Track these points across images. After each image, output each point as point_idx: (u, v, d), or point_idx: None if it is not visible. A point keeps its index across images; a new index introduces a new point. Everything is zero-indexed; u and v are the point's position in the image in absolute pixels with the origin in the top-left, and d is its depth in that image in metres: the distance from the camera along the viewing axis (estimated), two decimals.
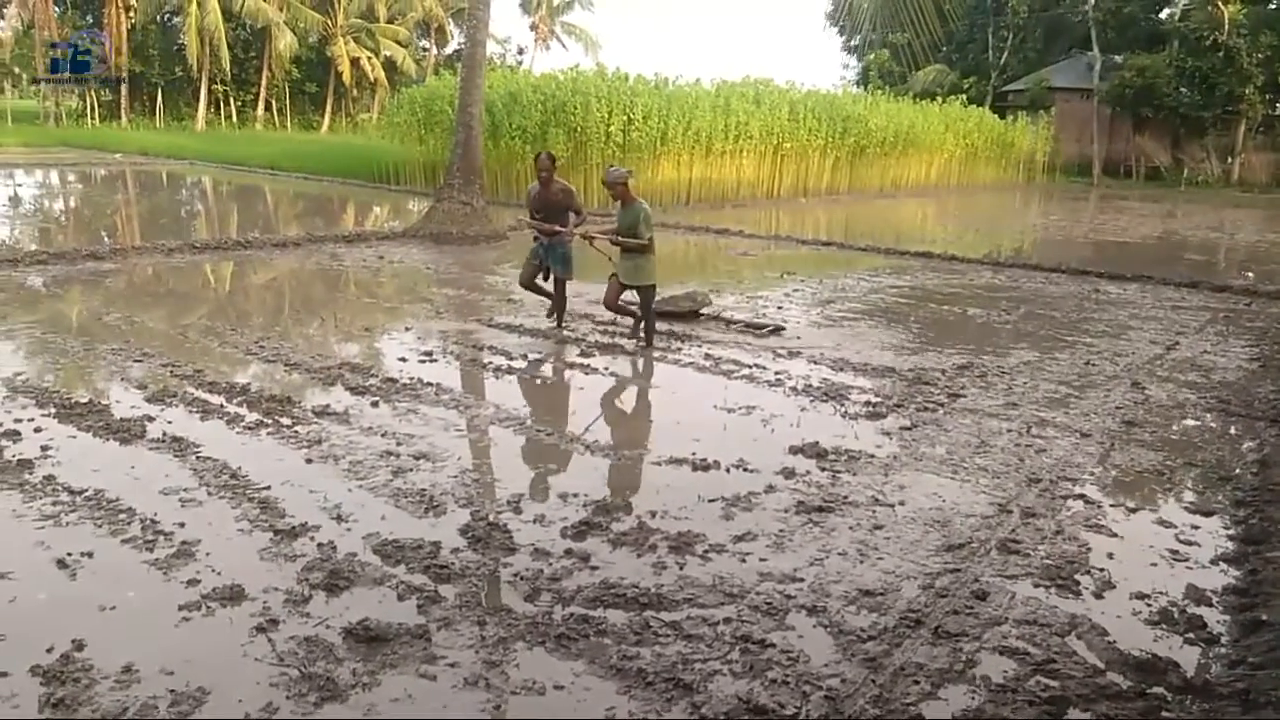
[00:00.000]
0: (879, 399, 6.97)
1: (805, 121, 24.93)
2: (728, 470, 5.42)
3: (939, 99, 32.38)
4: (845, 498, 5.08)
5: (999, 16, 41.52)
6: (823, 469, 5.50)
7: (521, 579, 4.06)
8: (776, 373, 7.57)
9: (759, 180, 24.85)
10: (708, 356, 8.03)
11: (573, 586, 4.00)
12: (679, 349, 8.27)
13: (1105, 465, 5.83)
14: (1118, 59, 37.30)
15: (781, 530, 4.64)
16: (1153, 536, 4.83)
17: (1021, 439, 6.17)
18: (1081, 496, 5.27)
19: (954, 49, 43.09)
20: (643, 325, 8.29)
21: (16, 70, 57.44)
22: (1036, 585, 4.19)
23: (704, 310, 9.58)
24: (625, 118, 20.57)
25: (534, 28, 54.53)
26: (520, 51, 58.63)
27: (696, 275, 13.28)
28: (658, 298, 8.94)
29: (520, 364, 7.63)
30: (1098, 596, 4.13)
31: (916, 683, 3.41)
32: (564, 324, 8.74)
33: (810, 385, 7.26)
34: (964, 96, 34.74)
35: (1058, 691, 3.40)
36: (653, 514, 4.76)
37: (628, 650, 3.52)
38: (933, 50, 31.67)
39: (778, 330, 9.02)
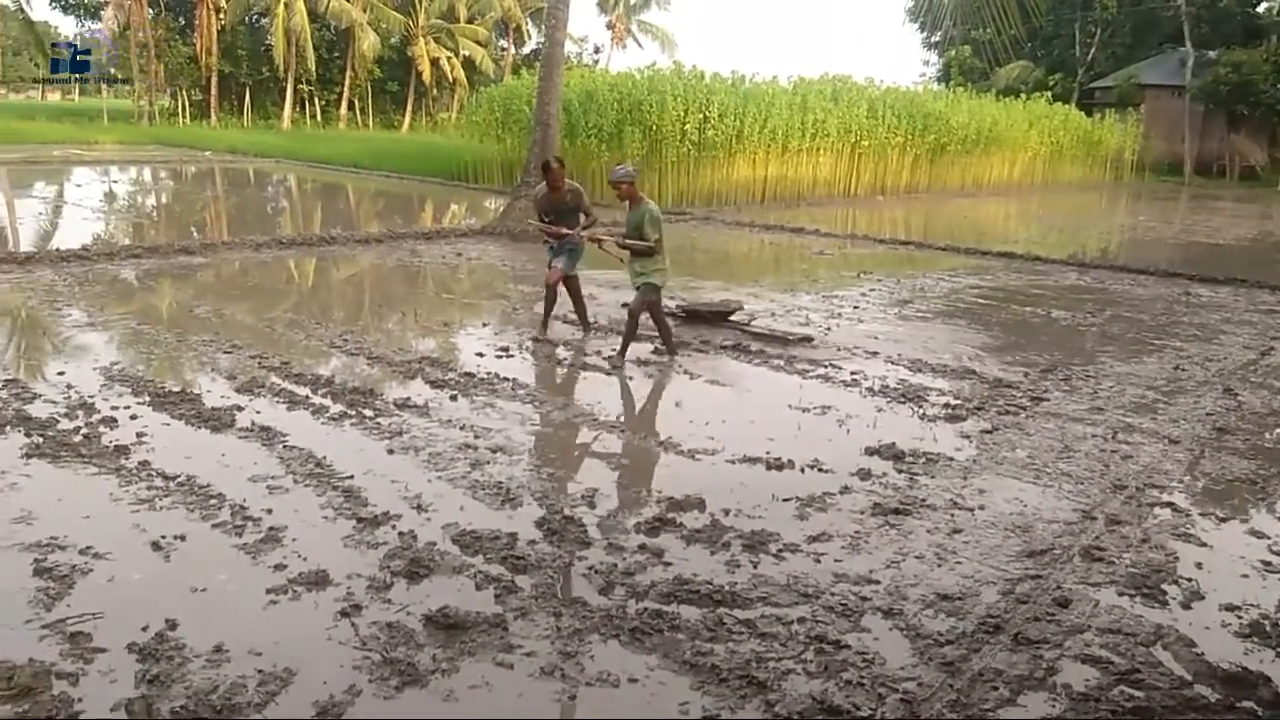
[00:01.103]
0: (958, 401, 6.86)
1: (884, 119, 24.62)
2: (802, 470, 5.39)
3: (1023, 96, 31.66)
4: (923, 500, 5.01)
5: (1087, 11, 40.39)
6: (900, 471, 5.43)
7: (596, 572, 4.09)
8: (853, 373, 7.50)
9: (835, 178, 24.61)
10: (781, 355, 7.99)
11: (646, 581, 4.02)
12: (750, 346, 8.23)
13: (1195, 473, 5.66)
14: (1211, 54, 36.05)
15: (857, 532, 4.61)
16: (1244, 547, 4.67)
17: (1107, 444, 6.02)
18: (1169, 504, 5.12)
19: (1039, 45, 42.11)
20: (624, 329, 7.73)
21: (113, 71, 59.74)
22: (1121, 594, 4.09)
23: (733, 316, 9.10)
24: (701, 116, 20.54)
25: (610, 26, 54.78)
26: (597, 50, 58.95)
27: (771, 274, 13.23)
28: (689, 301, 8.85)
29: (593, 360, 7.68)
30: (1185, 607, 4.02)
31: (995, 688, 3.36)
32: (590, 326, 8.57)
33: (887, 386, 7.17)
34: (1049, 93, 33.91)
35: (1142, 702, 3.32)
36: (726, 512, 4.76)
37: (701, 646, 3.53)
38: (1016, 46, 30.99)
39: (806, 340, 8.49)
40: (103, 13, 44.36)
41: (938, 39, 47.42)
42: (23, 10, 46.29)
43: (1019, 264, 14.22)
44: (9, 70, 63.55)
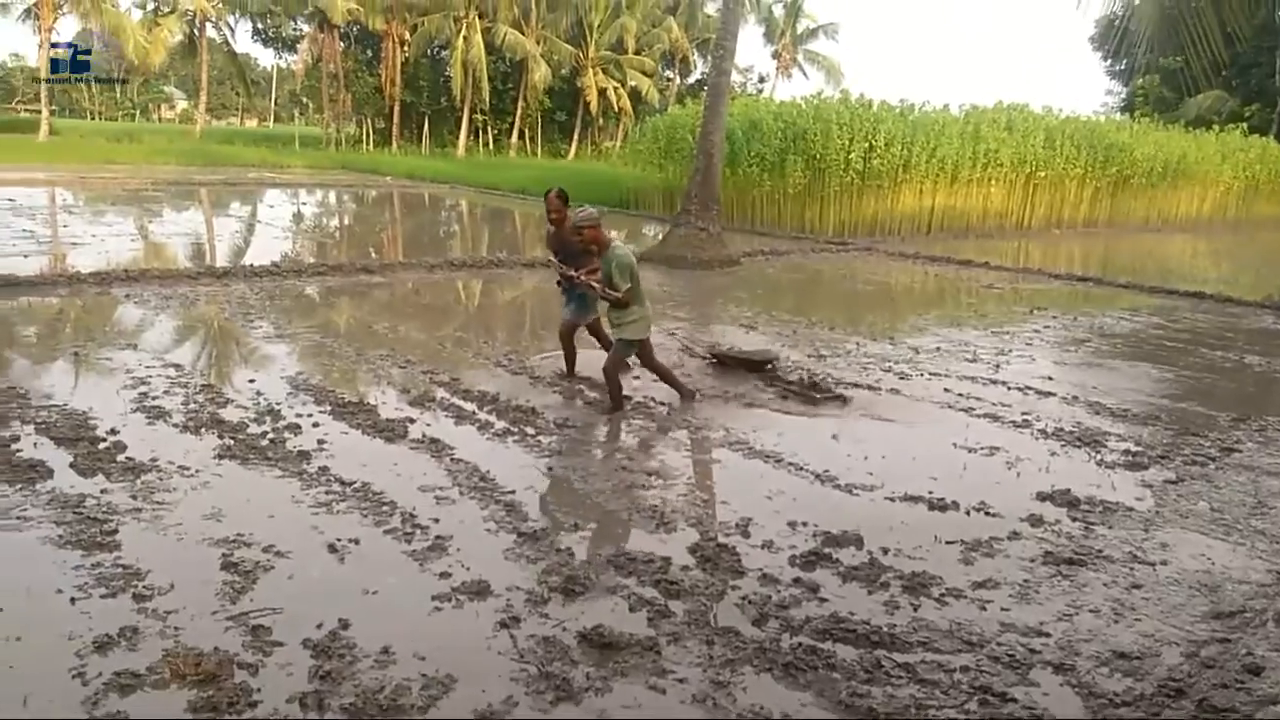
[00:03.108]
0: (1140, 448, 6.46)
1: (1062, 149, 23.62)
2: (968, 513, 5.19)
3: (1216, 127, 29.74)
4: (1099, 551, 4.73)
5: None
6: (1074, 519, 5.15)
7: (749, 603, 4.05)
8: (1024, 413, 7.19)
9: (1008, 210, 23.74)
10: (946, 390, 7.74)
11: (801, 616, 3.95)
12: (909, 376, 8.00)
13: None
14: None
15: (1027, 580, 4.39)
16: None
17: None
18: None
19: (1235, 73, 39.43)
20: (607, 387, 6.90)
21: (304, 100, 64.08)
22: None
23: (769, 366, 8.12)
24: (866, 145, 20.21)
25: (776, 56, 54.80)
26: (761, 80, 59.12)
27: (935, 307, 12.86)
28: (726, 347, 8.48)
29: (748, 391, 7.61)
30: None
31: None
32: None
33: (1061, 429, 6.83)
34: (1245, 125, 31.74)
35: None
36: (885, 551, 4.63)
37: (858, 687, 3.44)
38: (1211, 74, 29.13)
39: (840, 400, 7.42)
40: (299, 46, 47.73)
41: (1122, 67, 45.21)
42: (228, 43, 50.39)
43: (1208, 305, 13.33)
44: (212, 98, 69.21)
